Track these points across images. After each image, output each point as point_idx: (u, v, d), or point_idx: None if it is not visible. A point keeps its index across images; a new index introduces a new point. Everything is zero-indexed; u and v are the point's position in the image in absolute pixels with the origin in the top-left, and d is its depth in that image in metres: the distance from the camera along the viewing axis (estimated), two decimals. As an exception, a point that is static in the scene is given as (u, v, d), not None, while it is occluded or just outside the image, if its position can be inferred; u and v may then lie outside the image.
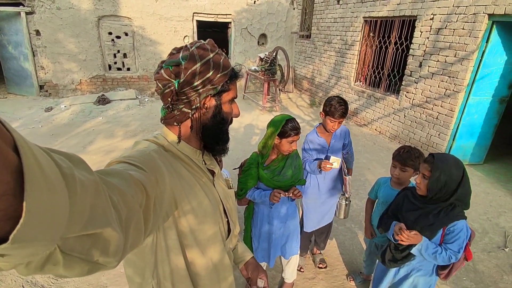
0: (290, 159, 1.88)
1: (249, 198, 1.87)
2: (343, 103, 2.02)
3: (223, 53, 0.83)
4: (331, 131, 2.10)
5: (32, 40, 6.83)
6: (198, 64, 0.74)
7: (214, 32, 11.82)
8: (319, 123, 2.24)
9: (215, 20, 8.23)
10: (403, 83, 5.17)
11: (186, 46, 0.80)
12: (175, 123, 0.81)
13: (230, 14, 8.19)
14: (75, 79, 7.44)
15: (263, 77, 7.08)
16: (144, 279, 0.84)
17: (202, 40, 0.81)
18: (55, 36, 6.95)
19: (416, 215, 1.53)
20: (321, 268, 2.52)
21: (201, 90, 0.77)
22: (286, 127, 1.70)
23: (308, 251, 2.65)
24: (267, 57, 7.24)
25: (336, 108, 1.98)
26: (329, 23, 7.08)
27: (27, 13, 6.61)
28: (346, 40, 6.49)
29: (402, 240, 1.46)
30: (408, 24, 4.97)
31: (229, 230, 1.00)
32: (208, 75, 0.76)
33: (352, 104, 6.48)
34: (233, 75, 0.84)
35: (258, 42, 8.83)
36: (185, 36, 8.02)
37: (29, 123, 5.62)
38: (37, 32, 6.82)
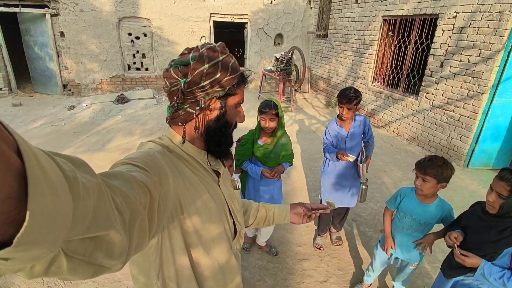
0: (277, 145, 2.21)
1: (243, 168, 2.27)
2: (351, 90, 2.23)
3: (233, 57, 0.82)
4: (343, 117, 2.32)
5: (56, 41, 7.13)
6: (206, 65, 0.75)
7: (230, 33, 11.91)
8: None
9: (232, 21, 8.28)
10: (423, 83, 5.01)
11: (197, 47, 0.80)
12: (179, 123, 0.81)
13: (247, 15, 8.22)
14: (96, 78, 7.70)
15: (278, 77, 7.05)
16: (149, 280, 0.84)
17: (213, 43, 0.81)
18: (78, 37, 7.22)
19: (480, 228, 1.45)
20: (337, 245, 2.75)
21: (207, 91, 0.77)
22: (261, 105, 2.12)
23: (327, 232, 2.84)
24: (283, 57, 7.21)
25: (343, 94, 2.22)
26: (346, 22, 6.96)
27: (52, 15, 6.90)
28: (364, 39, 6.36)
29: (457, 257, 1.43)
30: (429, 23, 4.81)
31: (235, 232, 0.99)
32: (215, 77, 0.76)
33: (369, 105, 6.35)
34: (241, 80, 0.84)
35: (274, 42, 8.81)
36: (202, 37, 8.12)
37: (53, 121, 5.86)
38: (62, 34, 7.10)
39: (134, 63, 7.99)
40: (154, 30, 7.74)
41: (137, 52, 7.89)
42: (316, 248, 2.72)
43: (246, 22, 8.40)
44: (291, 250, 2.70)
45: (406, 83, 5.54)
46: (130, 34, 7.66)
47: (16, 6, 6.66)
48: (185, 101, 0.78)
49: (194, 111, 0.79)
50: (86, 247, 0.39)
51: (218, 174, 0.93)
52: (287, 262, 2.55)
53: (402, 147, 5.19)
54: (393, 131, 5.79)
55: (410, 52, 5.29)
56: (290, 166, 2.40)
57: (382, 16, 5.79)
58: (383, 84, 6.17)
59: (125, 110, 6.70)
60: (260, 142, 2.21)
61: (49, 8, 6.88)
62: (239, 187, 1.05)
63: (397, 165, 4.49)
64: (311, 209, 1.12)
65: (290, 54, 7.10)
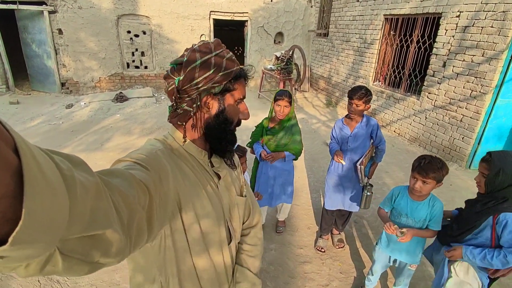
0: (284, 131, 2.38)
1: (253, 148, 2.53)
2: (363, 88, 2.27)
3: (230, 52, 0.82)
4: (351, 115, 2.35)
5: (55, 38, 7.05)
6: (198, 62, 0.75)
7: (230, 31, 11.83)
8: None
9: (232, 19, 8.21)
10: (425, 83, 4.96)
11: (192, 46, 0.81)
12: (179, 122, 0.82)
13: (247, 13, 8.15)
14: (94, 77, 7.63)
15: (278, 76, 7.00)
16: (151, 275, 0.86)
17: (207, 40, 0.82)
18: (76, 35, 7.14)
19: (470, 205, 1.62)
20: (338, 248, 2.72)
21: (201, 88, 0.77)
22: (276, 94, 2.31)
23: (329, 233, 2.85)
24: (283, 56, 7.16)
25: (355, 89, 2.26)
26: (347, 21, 6.91)
27: (50, 12, 6.82)
28: (365, 38, 6.31)
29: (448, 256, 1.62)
30: (432, 22, 4.76)
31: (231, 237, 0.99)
32: (207, 74, 0.76)
33: (371, 104, 6.30)
34: (239, 75, 0.83)
35: (275, 40, 8.75)
36: (201, 35, 8.05)
37: (51, 120, 5.80)
38: (60, 31, 7.02)
39: (133, 61, 7.92)
40: (153, 27, 7.67)
41: (136, 50, 7.81)
42: (318, 250, 2.68)
43: (246, 20, 8.33)
44: (292, 252, 2.66)
45: (407, 83, 5.50)
46: (129, 32, 7.58)
47: (14, 3, 6.57)
48: (182, 99, 0.79)
49: (192, 109, 0.80)
50: (83, 246, 0.39)
51: (219, 176, 0.92)
52: (288, 265, 2.51)
53: (403, 147, 5.15)
54: (394, 131, 5.75)
55: (412, 51, 5.24)
56: (294, 159, 2.51)
57: (384, 15, 5.74)
58: (384, 83, 6.13)
59: (124, 109, 6.64)
60: (268, 126, 2.45)
61: (47, 5, 6.79)
62: (245, 195, 1.01)
63: (398, 165, 4.45)
64: None
65: (290, 53, 7.04)
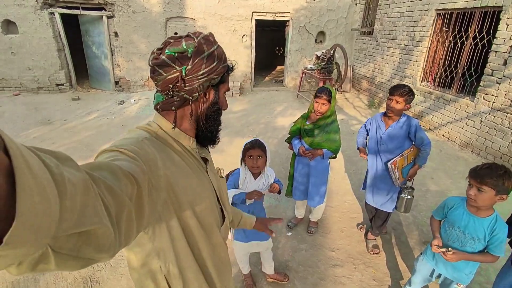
0: (320, 129, 2.37)
1: (292, 143, 2.55)
2: (406, 86, 2.17)
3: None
4: (389, 112, 2.23)
5: (111, 41, 7.71)
6: (206, 53, 0.77)
7: (271, 31, 11.87)
8: None
9: (273, 19, 8.24)
10: (482, 83, 4.52)
11: (188, 35, 0.80)
12: (172, 108, 0.82)
13: (289, 12, 8.12)
14: (144, 76, 8.19)
15: (318, 76, 6.87)
16: (151, 265, 0.85)
17: (204, 32, 0.82)
18: (129, 37, 7.72)
19: None
20: (373, 254, 2.61)
21: (206, 78, 0.79)
22: (317, 90, 2.32)
23: (363, 236, 2.85)
24: (324, 55, 7.01)
25: (397, 86, 2.18)
26: (394, 18, 6.54)
27: (108, 17, 7.47)
28: (414, 36, 5.92)
29: None
30: (491, 16, 4.33)
31: (223, 218, 1.03)
32: (212, 65, 0.79)
33: (417, 106, 5.91)
34: (231, 68, 0.88)
35: (316, 39, 8.59)
36: (243, 35, 8.20)
37: (105, 114, 6.36)
38: (116, 34, 7.66)
39: (179, 61, 8.33)
40: (198, 29, 8.00)
41: (182, 50, 8.20)
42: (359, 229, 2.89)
43: (288, 20, 8.30)
44: (323, 254, 2.61)
45: (460, 83, 5.05)
46: (176, 33, 7.93)
47: (77, 8, 7.33)
48: (182, 88, 0.78)
49: (191, 97, 0.80)
50: (74, 243, 0.39)
51: (206, 161, 0.94)
52: (318, 266, 2.48)
53: (453, 153, 4.75)
54: (443, 135, 5.33)
55: (467, 48, 4.81)
56: (333, 157, 2.49)
57: (436, 10, 5.34)
58: (434, 84, 5.70)
59: (168, 106, 7.02)
60: (307, 122, 2.45)
61: (105, 10, 7.45)
62: (224, 175, 1.10)
63: (446, 172, 4.12)
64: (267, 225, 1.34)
65: (331, 52, 6.88)
